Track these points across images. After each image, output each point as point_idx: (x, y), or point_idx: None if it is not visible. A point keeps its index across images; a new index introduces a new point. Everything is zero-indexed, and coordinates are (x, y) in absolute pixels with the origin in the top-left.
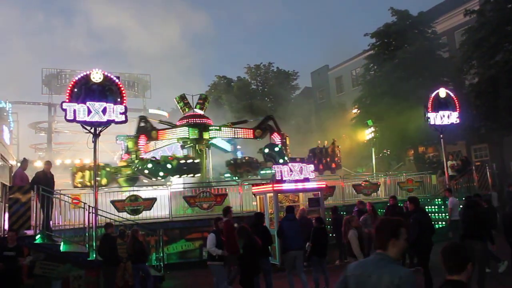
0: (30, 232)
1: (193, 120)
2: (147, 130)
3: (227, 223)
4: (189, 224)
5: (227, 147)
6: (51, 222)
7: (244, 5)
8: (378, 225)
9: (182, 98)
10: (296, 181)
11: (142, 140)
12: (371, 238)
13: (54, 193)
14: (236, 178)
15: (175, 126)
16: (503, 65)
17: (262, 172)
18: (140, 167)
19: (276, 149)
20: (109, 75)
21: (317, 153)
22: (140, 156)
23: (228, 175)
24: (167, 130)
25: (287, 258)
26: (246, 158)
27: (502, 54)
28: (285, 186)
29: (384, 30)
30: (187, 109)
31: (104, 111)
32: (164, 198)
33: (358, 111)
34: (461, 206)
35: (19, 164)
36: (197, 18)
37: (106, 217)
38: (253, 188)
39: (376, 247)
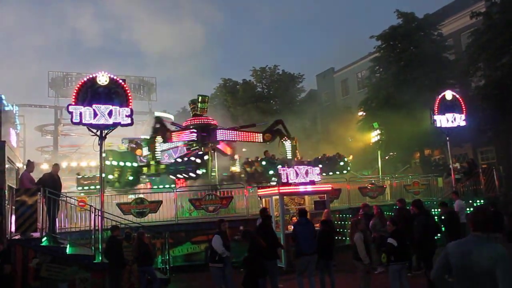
0: (36, 235)
1: (198, 122)
2: (162, 131)
3: None
4: (195, 226)
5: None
6: (57, 225)
7: (249, 7)
8: (481, 212)
9: (193, 102)
10: (302, 183)
11: (157, 142)
12: (377, 241)
13: (61, 195)
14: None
15: (185, 128)
16: (510, 67)
17: None
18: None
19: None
20: (115, 77)
21: None
22: (157, 159)
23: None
24: (177, 133)
25: (301, 262)
26: None
27: (508, 57)
28: (291, 189)
29: (390, 32)
30: (191, 113)
31: (110, 113)
32: (170, 201)
33: (364, 113)
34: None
35: (25, 167)
36: (204, 20)
37: (112, 219)
38: (259, 190)
39: (475, 230)
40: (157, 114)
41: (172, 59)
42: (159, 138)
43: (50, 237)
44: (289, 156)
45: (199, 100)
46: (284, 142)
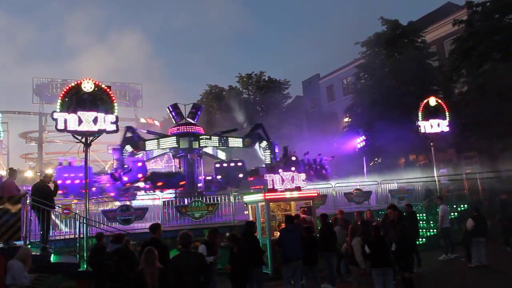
0: (20, 243)
1: (184, 129)
2: (133, 140)
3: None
4: None
5: (222, 155)
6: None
7: (235, 13)
8: None
9: (174, 107)
10: (288, 189)
11: (126, 151)
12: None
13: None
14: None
15: (163, 136)
16: (491, 74)
17: None
18: None
19: None
20: (100, 84)
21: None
22: (125, 165)
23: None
24: (154, 140)
25: (288, 268)
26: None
27: (490, 63)
28: (277, 195)
29: (374, 39)
30: (174, 119)
31: (95, 120)
32: (156, 208)
33: (349, 119)
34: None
35: (7, 175)
36: (191, 28)
37: (97, 227)
38: (245, 197)
39: None
40: (143, 120)
41: (158, 67)
42: (128, 147)
43: (40, 246)
44: (267, 160)
45: (200, 109)
46: (262, 146)
